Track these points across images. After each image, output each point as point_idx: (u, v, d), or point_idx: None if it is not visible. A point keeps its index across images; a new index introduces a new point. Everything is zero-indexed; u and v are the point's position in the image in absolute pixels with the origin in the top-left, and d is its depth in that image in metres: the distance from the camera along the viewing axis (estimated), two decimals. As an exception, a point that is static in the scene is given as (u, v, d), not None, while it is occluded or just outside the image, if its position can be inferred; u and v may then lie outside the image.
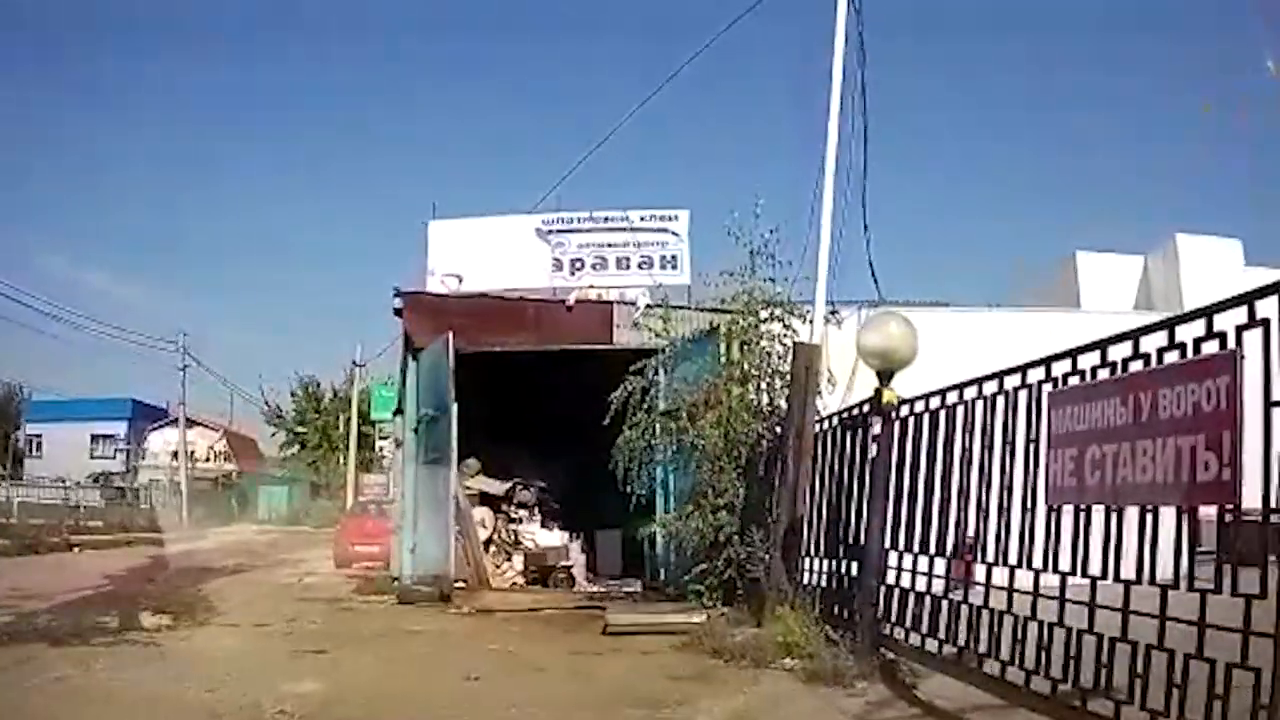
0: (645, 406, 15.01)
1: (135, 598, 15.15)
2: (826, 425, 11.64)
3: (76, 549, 30.14)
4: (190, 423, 56.69)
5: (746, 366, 14.34)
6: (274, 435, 72.99)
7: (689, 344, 15.80)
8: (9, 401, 76.94)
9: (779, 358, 14.09)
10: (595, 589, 18.04)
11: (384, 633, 13.06)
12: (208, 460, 68.64)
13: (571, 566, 19.16)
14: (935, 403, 8.81)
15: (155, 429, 69.88)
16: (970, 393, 8.17)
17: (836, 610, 10.06)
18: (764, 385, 14.16)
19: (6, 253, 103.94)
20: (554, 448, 20.39)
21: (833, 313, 15.24)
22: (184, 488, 48.88)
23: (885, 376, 9.27)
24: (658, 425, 14.93)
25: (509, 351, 18.21)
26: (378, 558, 22.92)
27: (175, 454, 57.74)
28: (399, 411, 19.54)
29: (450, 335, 16.77)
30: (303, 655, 10.72)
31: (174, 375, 51.38)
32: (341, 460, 66.00)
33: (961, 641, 7.70)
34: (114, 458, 69.34)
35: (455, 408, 16.34)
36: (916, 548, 8.83)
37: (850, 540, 10.28)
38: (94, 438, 71.10)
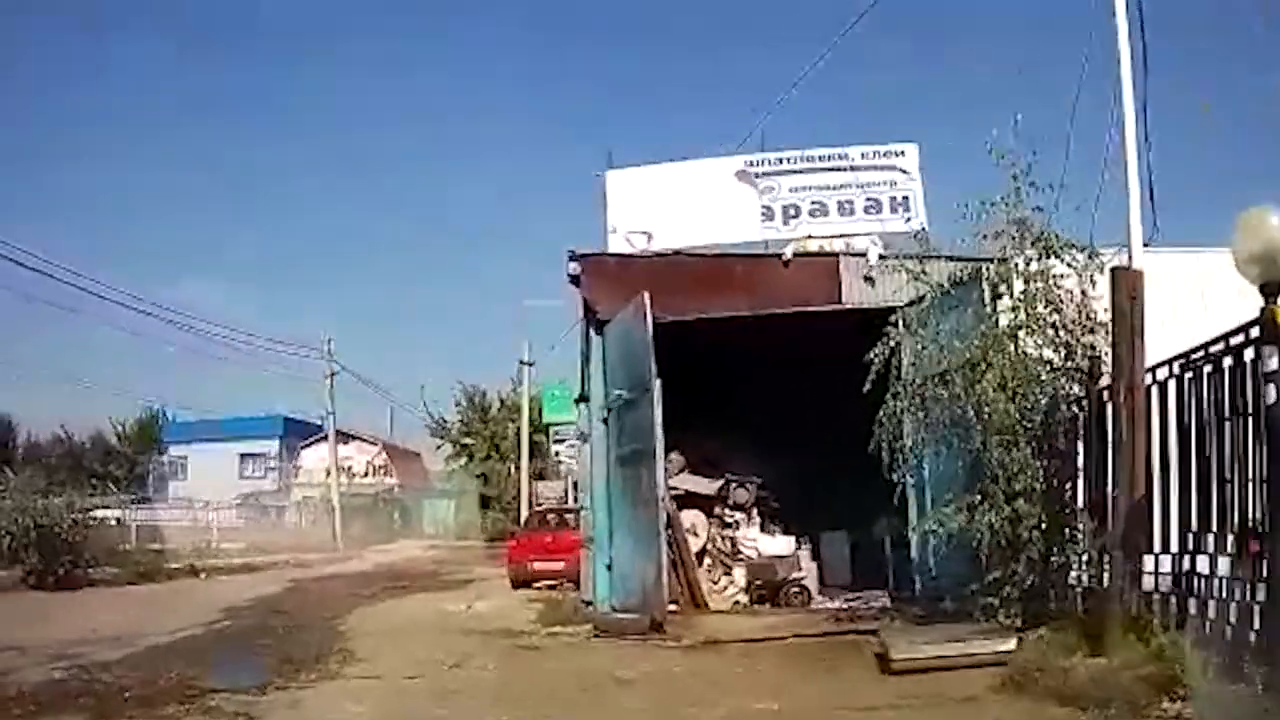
0: (897, 374, 12.95)
1: (251, 639, 14.09)
2: (1162, 375, 9.64)
3: (203, 575, 29.65)
4: (346, 437, 56.54)
5: (1026, 314, 12.12)
6: (439, 448, 71.43)
7: (946, 295, 13.53)
8: (151, 424, 78.80)
9: (1066, 302, 11.89)
10: (834, 605, 16.01)
11: (586, 684, 10.80)
12: (366, 475, 68.85)
13: (803, 578, 17.13)
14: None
15: (308, 445, 70.36)
16: None
17: (1210, 626, 8.07)
18: (1055, 335, 11.95)
19: (154, 273, 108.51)
20: (769, 434, 18.55)
21: (1092, 256, 12.69)
22: (336, 504, 48.25)
23: (1273, 291, 7.35)
24: (921, 395, 12.74)
25: (712, 319, 16.30)
26: (562, 575, 21.80)
27: (328, 470, 56.85)
28: (582, 399, 17.84)
29: (647, 297, 14.92)
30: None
31: (325, 390, 50.93)
32: (512, 469, 66.28)
33: None
34: (264, 477, 70.16)
35: (659, 385, 14.53)
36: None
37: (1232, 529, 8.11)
38: (243, 457, 71.97)
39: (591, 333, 17.04)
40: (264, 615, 18.37)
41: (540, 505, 43.00)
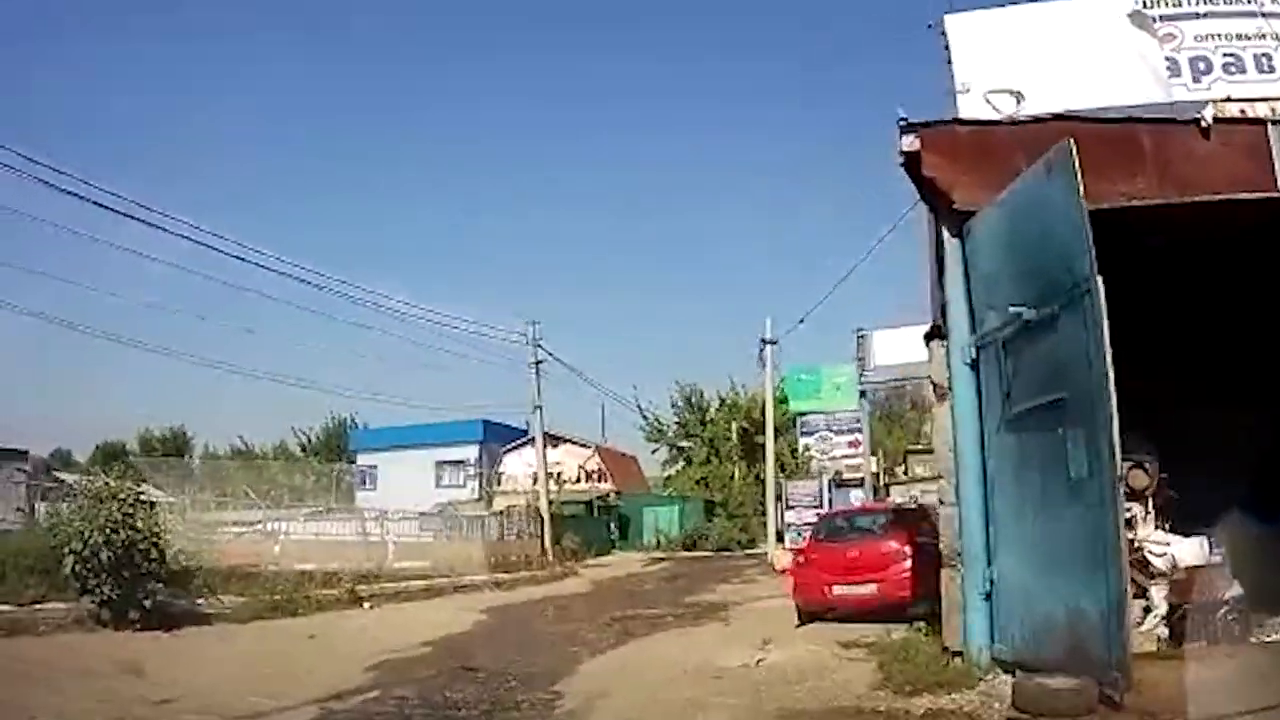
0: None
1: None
2: None
3: (367, 604, 24.45)
4: (555, 440, 52.90)
5: None
6: (654, 452, 73.16)
7: None
8: (338, 431, 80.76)
9: None
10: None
11: None
12: (578, 481, 65.69)
13: (1239, 598, 12.07)
14: None
15: (511, 450, 67.95)
16: None
17: None
18: None
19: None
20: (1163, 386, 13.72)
21: None
22: (545, 512, 44.09)
23: None
24: None
25: (1110, 210, 10.86)
26: (873, 604, 16.99)
27: (535, 476, 53.39)
28: (935, 335, 12.35)
29: (1072, 146, 9.57)
30: None
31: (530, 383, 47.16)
32: (735, 473, 65.03)
33: None
34: (463, 486, 67.27)
35: (1100, 285, 9.09)
36: None
37: None
38: (440, 464, 69.84)
39: (944, 233, 11.84)
40: (436, 675, 14.11)
41: (790, 509, 39.15)
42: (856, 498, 37.32)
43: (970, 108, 13.00)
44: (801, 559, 20.43)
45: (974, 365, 11.33)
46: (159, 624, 18.17)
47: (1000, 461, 10.93)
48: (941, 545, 11.96)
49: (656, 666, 14.62)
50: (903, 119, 12.24)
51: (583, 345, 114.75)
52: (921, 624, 14.25)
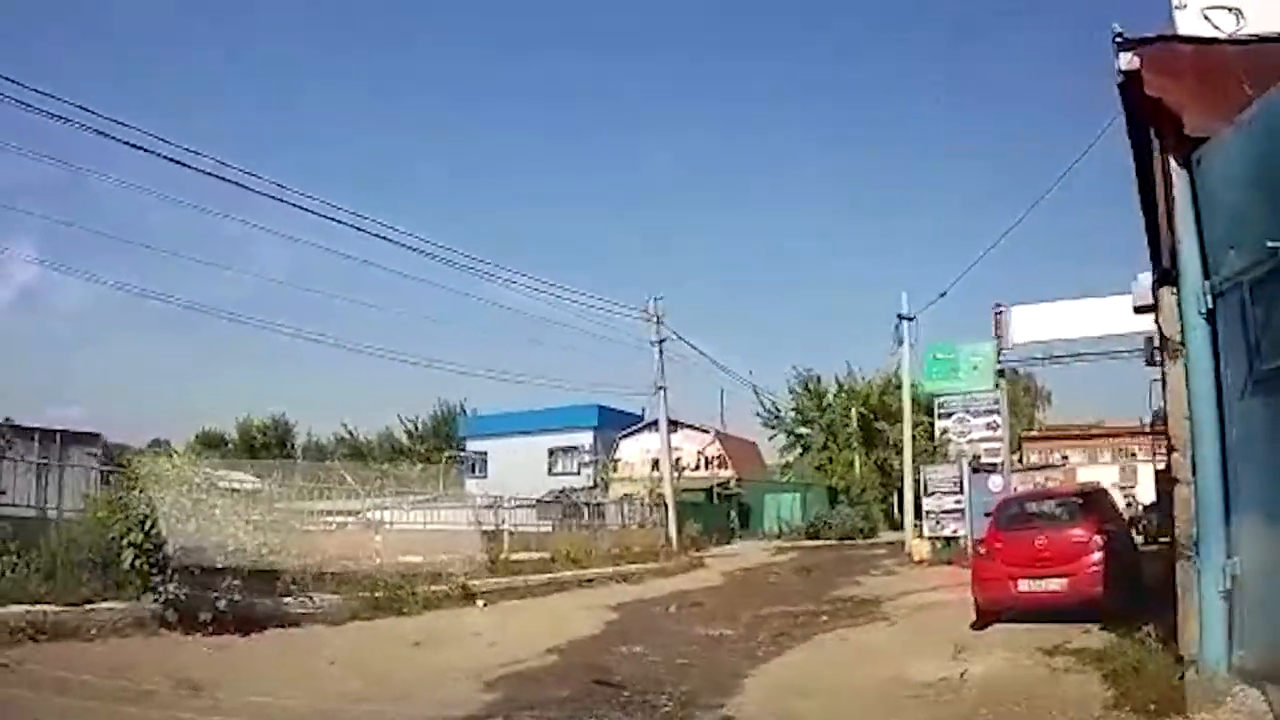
0: None
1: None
2: None
3: (481, 601, 22.52)
4: (674, 425, 51.66)
5: None
6: (771, 439, 73.85)
7: None
8: (447, 418, 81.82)
9: None
10: None
11: None
12: (697, 468, 65.36)
13: None
14: None
15: (627, 435, 68.06)
16: None
17: None
18: None
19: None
20: None
21: None
22: (670, 499, 42.82)
23: None
24: None
25: None
26: (1064, 602, 15.52)
27: (655, 463, 53.57)
28: (1164, 281, 10.71)
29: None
30: None
31: (642, 374, 45.95)
32: (858, 460, 66.28)
33: None
34: (577, 473, 67.39)
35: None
36: None
37: None
38: (552, 451, 70.37)
39: (1170, 163, 10.25)
40: (570, 695, 12.40)
41: (930, 493, 38.12)
42: (995, 484, 35.81)
43: (1187, 24, 11.50)
44: (983, 549, 18.55)
45: (1210, 314, 9.76)
46: (235, 627, 16.13)
47: (1245, 431, 9.28)
48: (1177, 532, 10.34)
49: (838, 680, 13.06)
50: (1119, 34, 10.69)
51: (695, 332, 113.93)
52: (1117, 624, 12.84)
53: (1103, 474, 56.40)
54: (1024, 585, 16.51)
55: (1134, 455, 73.68)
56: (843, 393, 71.01)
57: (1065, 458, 74.25)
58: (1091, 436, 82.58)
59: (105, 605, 15.47)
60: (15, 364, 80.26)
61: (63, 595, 15.20)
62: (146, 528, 15.91)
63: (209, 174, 24.84)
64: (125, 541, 15.90)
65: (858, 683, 12.67)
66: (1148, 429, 42.09)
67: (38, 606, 14.50)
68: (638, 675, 13.49)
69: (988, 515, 31.34)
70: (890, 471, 65.47)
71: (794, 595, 24.09)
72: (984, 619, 16.94)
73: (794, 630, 17.85)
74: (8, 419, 20.14)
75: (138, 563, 15.84)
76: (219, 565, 16.29)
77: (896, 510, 63.83)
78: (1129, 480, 63.08)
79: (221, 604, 16.06)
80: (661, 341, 42.97)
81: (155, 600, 15.75)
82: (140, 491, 16.52)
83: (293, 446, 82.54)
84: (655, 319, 43.05)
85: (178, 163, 23.67)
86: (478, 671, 13.69)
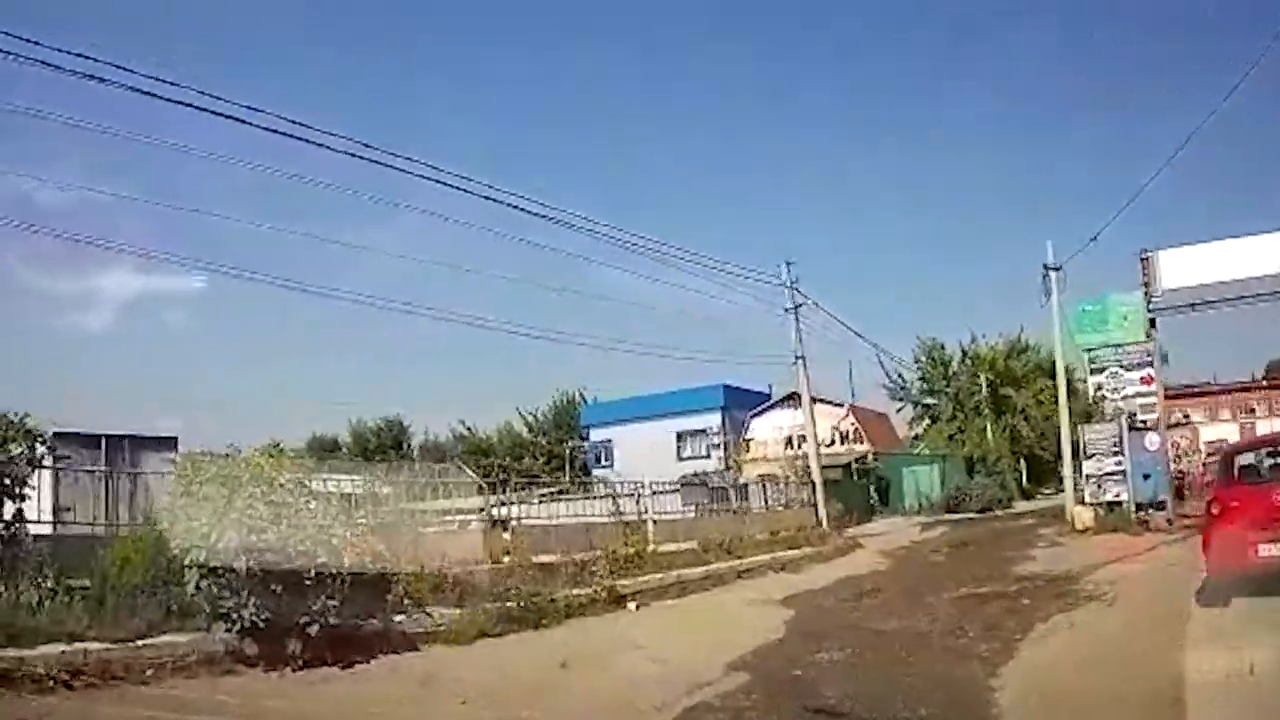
0: None
1: None
2: None
3: (632, 604, 19.30)
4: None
5: None
6: (899, 410, 73.10)
7: None
8: (567, 408, 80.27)
9: None
10: None
11: None
12: (831, 444, 62.52)
13: None
14: None
15: (758, 414, 67.16)
16: None
17: None
18: None
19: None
20: None
21: None
22: (817, 476, 40.37)
23: None
24: None
25: None
26: None
27: (789, 440, 52.63)
28: None
29: None
30: None
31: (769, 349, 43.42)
32: (990, 428, 65.53)
33: None
34: (707, 455, 65.81)
35: None
36: None
37: None
38: (680, 435, 69.17)
39: None
40: None
41: (1089, 457, 35.31)
42: (1153, 442, 33.83)
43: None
44: (1216, 509, 15.35)
45: None
46: (334, 656, 12.96)
47: None
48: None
49: (1107, 687, 10.27)
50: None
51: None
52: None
53: (1225, 431, 57.67)
54: (1265, 550, 13.71)
55: (1252, 411, 74.37)
56: (967, 360, 69.91)
57: (1187, 416, 71.26)
58: (1209, 393, 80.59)
59: (165, 639, 12.44)
60: (120, 374, 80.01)
61: (111, 629, 12.21)
62: (212, 541, 12.76)
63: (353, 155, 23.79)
64: (188, 560, 12.83)
65: (1137, 689, 9.78)
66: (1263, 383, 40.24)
67: (76, 645, 11.43)
68: (857, 695, 10.60)
69: (1146, 477, 31.36)
70: (1020, 438, 65.38)
71: (970, 576, 21.26)
72: (1216, 593, 14.33)
73: (1005, 620, 15.03)
74: (56, 426, 16.96)
75: (204, 584, 12.73)
76: (310, 579, 13.05)
77: (1026, 479, 64.91)
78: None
79: (314, 629, 12.90)
80: (797, 307, 40.38)
81: (228, 629, 12.67)
82: (204, 500, 13.25)
83: (409, 447, 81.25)
84: (790, 285, 40.46)
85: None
86: (654, 702, 10.92)
